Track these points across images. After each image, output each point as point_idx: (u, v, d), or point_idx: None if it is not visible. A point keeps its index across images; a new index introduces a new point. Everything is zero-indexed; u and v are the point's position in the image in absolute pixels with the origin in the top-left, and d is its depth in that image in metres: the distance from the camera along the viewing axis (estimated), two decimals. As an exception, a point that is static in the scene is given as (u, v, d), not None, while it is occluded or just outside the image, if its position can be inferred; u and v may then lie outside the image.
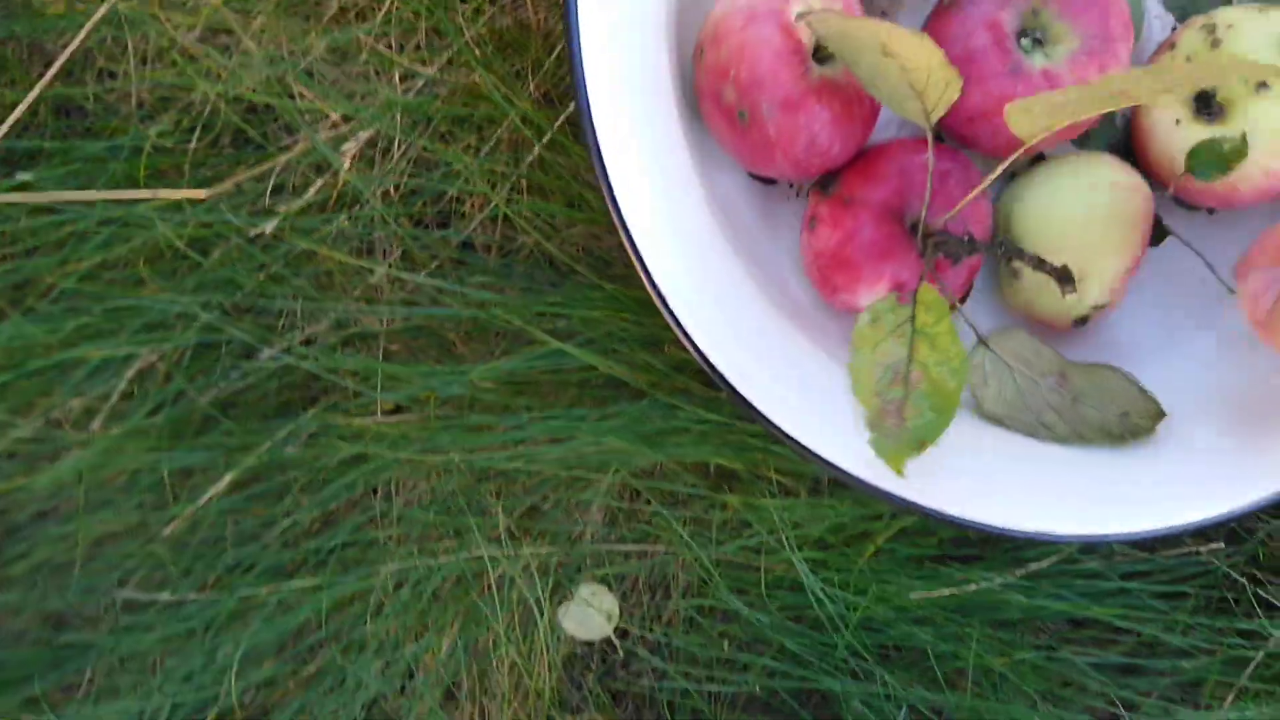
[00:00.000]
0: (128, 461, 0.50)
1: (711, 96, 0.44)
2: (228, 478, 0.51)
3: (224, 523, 0.53)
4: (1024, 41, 0.44)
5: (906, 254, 0.45)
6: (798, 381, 0.46)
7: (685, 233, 0.45)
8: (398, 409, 0.53)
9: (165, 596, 0.53)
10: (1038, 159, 0.49)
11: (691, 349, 0.44)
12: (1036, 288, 0.47)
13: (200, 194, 0.45)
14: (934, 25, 0.46)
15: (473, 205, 0.52)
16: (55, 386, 0.49)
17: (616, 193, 0.43)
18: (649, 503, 0.55)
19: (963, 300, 0.49)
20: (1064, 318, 0.47)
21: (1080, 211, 0.45)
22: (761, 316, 0.46)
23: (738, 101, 0.43)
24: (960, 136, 0.47)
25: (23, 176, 0.45)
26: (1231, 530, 0.54)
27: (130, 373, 0.49)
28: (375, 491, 0.54)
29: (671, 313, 0.44)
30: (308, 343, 0.50)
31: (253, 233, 0.47)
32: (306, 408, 0.51)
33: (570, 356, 0.49)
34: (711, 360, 0.44)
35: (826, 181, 0.47)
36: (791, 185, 0.51)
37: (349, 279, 0.50)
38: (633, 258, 0.43)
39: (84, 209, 0.47)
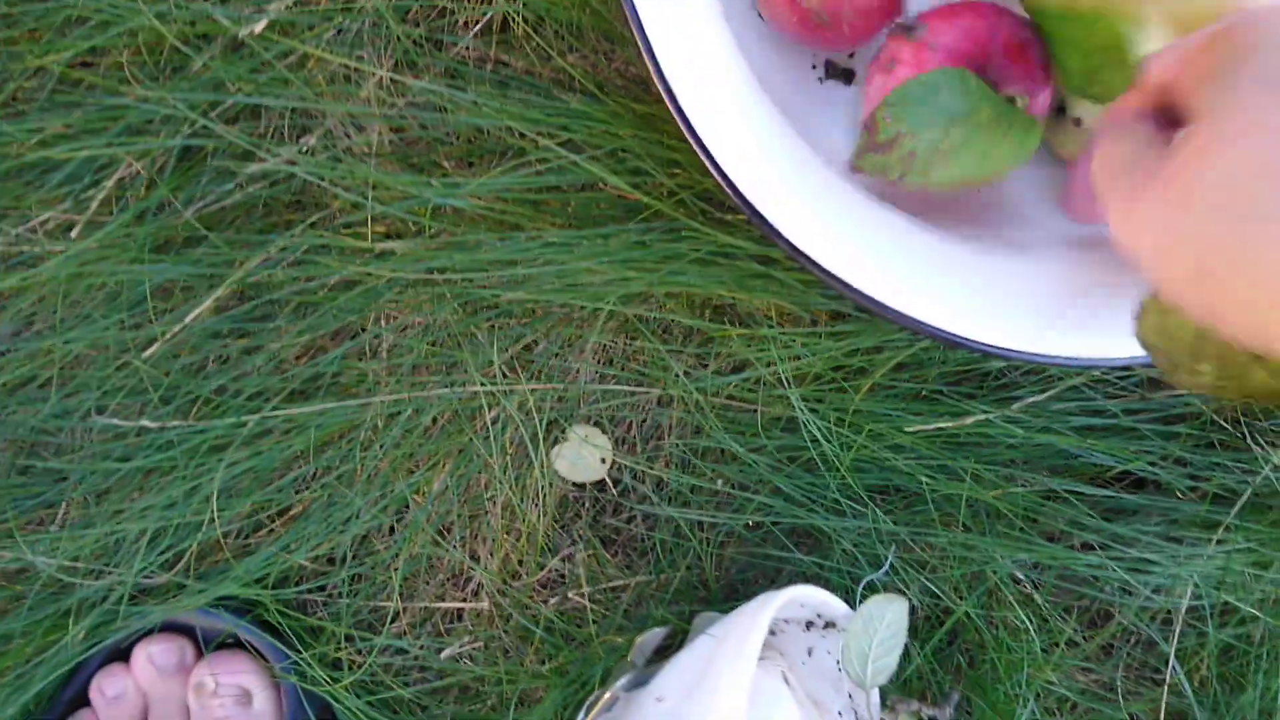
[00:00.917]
0: (107, 275, 0.48)
1: (786, 3, 0.45)
2: (212, 296, 0.49)
3: (207, 346, 0.51)
4: None
5: None
6: (811, 198, 0.45)
7: (702, 43, 0.44)
8: (389, 236, 0.52)
9: (145, 423, 0.51)
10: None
11: (704, 156, 0.43)
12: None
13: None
14: None
15: (467, 23, 0.50)
16: (32, 190, 0.47)
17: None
18: (646, 342, 0.54)
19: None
20: None
21: None
22: (781, 135, 0.46)
23: (820, 8, 0.45)
24: None
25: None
26: (1222, 373, 0.54)
27: (111, 181, 0.47)
28: (366, 321, 0.53)
29: (686, 119, 0.43)
30: (298, 156, 0.48)
31: (241, 32, 0.45)
32: (296, 226, 0.49)
33: (568, 175, 0.48)
34: (725, 170, 0.44)
35: (911, 27, 0.46)
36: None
37: (339, 89, 0.48)
38: (647, 60, 0.42)
39: (65, -2, 0.44)
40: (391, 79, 0.47)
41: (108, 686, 0.54)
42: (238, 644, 0.55)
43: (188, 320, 0.49)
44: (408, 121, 0.48)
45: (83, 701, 0.55)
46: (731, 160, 0.44)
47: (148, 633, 0.55)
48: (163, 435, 0.51)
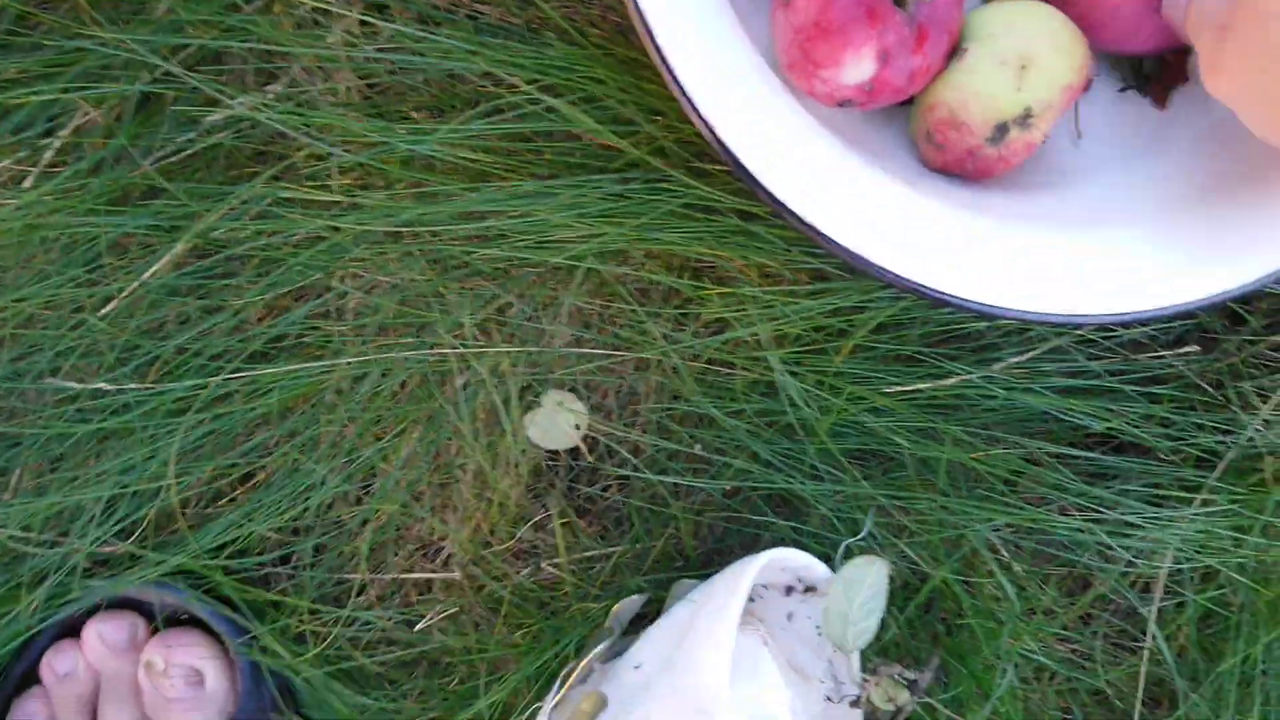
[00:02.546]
0: (61, 228, 0.46)
1: None
2: (171, 251, 0.47)
3: (166, 304, 0.49)
4: None
5: (890, 18, 0.43)
6: (795, 151, 0.44)
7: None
8: (356, 188, 0.50)
9: (101, 385, 0.49)
10: None
11: (685, 103, 0.42)
12: (980, 69, 0.45)
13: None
14: None
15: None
16: (-20, 136, 0.45)
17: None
18: (623, 304, 0.52)
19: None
20: (995, 115, 0.46)
21: (1034, 12, 0.46)
22: (765, 80, 0.45)
23: None
24: None
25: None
26: (1205, 338, 0.54)
27: (67, 129, 0.45)
28: (331, 280, 0.51)
29: (667, 62, 0.42)
30: (263, 104, 0.47)
31: (205, -29, 0.44)
32: (260, 177, 0.47)
33: (544, 123, 0.47)
34: (707, 118, 0.42)
35: None
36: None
37: (307, 34, 0.46)
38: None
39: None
40: (361, 21, 0.45)
41: (58, 664, 0.52)
42: (197, 619, 0.53)
43: (146, 277, 0.47)
44: (377, 68, 0.47)
45: (34, 678, 0.52)
46: (714, 108, 0.43)
47: (102, 607, 0.52)
48: (119, 398, 0.49)
